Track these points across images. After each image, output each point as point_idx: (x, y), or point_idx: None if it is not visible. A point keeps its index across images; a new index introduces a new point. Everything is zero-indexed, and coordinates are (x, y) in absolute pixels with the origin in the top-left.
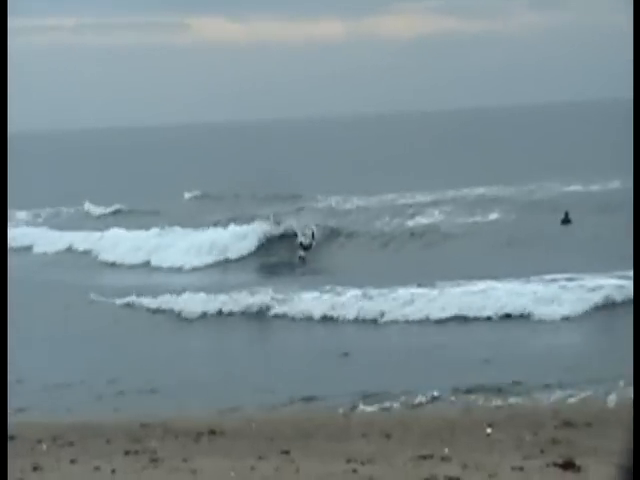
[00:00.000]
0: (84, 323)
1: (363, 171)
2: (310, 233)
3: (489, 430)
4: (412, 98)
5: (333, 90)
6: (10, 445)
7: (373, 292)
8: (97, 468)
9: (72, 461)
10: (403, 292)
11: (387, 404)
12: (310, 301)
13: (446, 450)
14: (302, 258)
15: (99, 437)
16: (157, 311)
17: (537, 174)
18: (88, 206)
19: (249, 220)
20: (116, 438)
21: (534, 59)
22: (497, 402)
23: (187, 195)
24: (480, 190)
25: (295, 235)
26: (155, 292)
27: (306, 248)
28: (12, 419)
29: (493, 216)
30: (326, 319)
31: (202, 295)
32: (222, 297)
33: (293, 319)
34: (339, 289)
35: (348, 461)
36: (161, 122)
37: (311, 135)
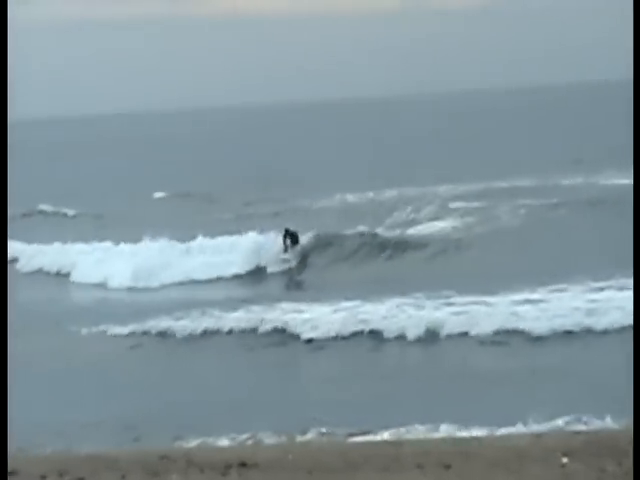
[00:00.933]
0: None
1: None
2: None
3: (564, 460)
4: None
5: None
6: None
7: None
8: None
9: None
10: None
11: (443, 430)
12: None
13: None
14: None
15: (113, 471)
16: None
17: None
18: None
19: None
20: (132, 472)
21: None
22: (573, 427)
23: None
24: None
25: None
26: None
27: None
28: (13, 453)
29: None
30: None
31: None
32: (234, 314)
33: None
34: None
35: None
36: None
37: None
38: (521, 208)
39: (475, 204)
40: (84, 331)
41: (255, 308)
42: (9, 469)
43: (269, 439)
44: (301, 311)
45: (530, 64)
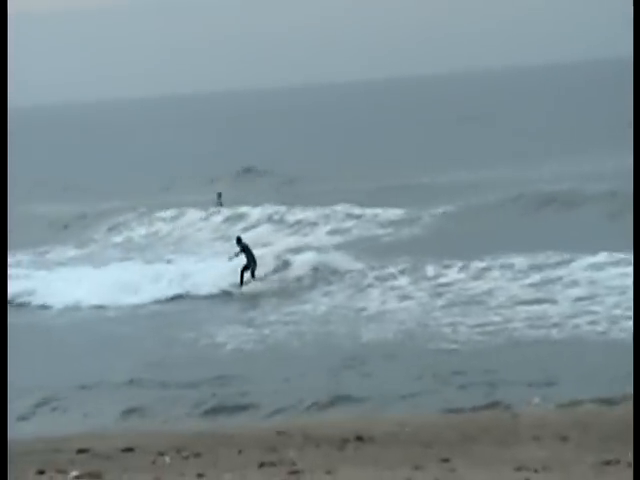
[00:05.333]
0: None
1: None
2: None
3: None
4: None
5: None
6: (129, 458)
7: None
8: None
9: (199, 475)
10: None
11: (561, 400)
12: None
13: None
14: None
15: (230, 447)
16: None
17: None
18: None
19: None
20: (249, 448)
21: None
22: None
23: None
24: None
25: None
26: None
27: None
28: (131, 427)
29: None
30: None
31: None
32: None
33: None
34: None
35: (518, 469)
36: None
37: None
38: None
39: None
40: None
41: None
42: (126, 446)
43: (385, 414)
44: None
45: None
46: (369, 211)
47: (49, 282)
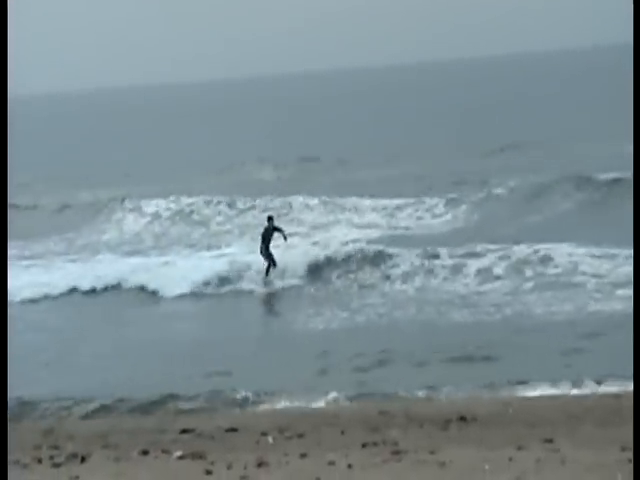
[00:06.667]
0: None
1: None
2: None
3: None
4: None
5: None
6: (233, 438)
7: None
8: (331, 463)
9: (302, 455)
10: None
11: None
12: None
13: None
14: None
15: (332, 427)
16: None
17: None
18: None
19: None
20: (352, 428)
21: None
22: None
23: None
24: None
25: None
26: None
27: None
28: (233, 410)
29: None
30: None
31: None
32: None
33: None
34: None
35: (623, 449)
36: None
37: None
38: None
39: None
40: None
41: None
42: (230, 426)
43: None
44: None
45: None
46: (429, 200)
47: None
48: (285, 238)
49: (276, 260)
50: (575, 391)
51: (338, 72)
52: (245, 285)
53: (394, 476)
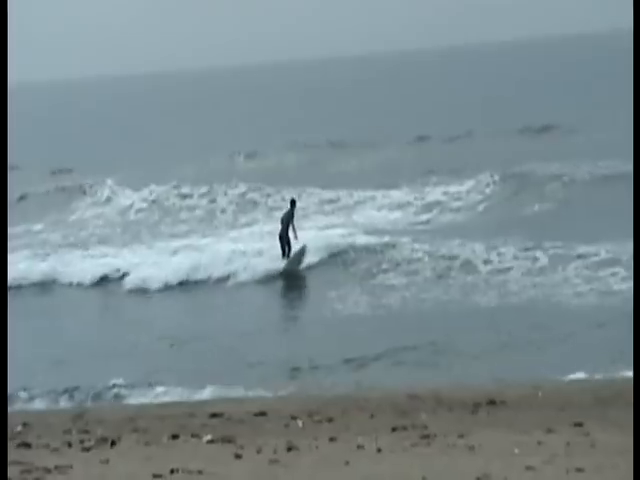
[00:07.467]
0: None
1: None
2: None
3: None
4: None
5: None
6: (262, 422)
7: None
8: (360, 447)
9: (331, 439)
10: None
11: None
12: None
13: None
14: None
15: (362, 411)
16: None
17: None
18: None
19: None
20: (381, 412)
21: None
22: None
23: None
24: None
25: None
26: None
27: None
28: (261, 394)
29: None
30: None
31: None
32: None
33: None
34: None
35: None
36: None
37: None
38: None
39: None
40: None
41: None
42: (259, 410)
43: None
44: None
45: None
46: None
47: None
48: (295, 236)
49: (292, 247)
50: (605, 375)
51: (354, 59)
52: (259, 269)
53: (423, 460)
